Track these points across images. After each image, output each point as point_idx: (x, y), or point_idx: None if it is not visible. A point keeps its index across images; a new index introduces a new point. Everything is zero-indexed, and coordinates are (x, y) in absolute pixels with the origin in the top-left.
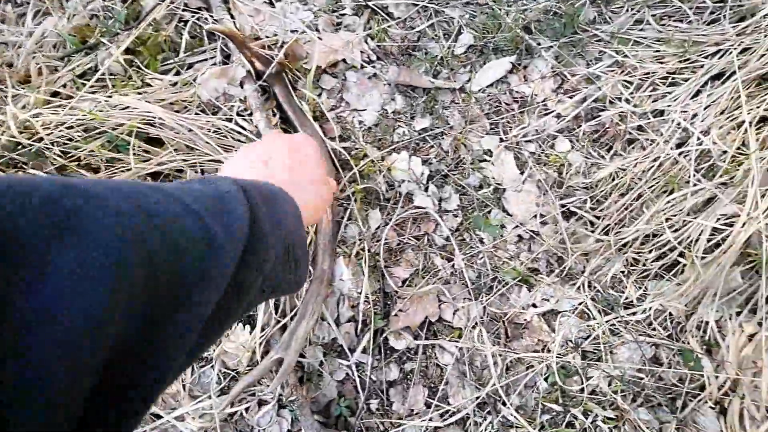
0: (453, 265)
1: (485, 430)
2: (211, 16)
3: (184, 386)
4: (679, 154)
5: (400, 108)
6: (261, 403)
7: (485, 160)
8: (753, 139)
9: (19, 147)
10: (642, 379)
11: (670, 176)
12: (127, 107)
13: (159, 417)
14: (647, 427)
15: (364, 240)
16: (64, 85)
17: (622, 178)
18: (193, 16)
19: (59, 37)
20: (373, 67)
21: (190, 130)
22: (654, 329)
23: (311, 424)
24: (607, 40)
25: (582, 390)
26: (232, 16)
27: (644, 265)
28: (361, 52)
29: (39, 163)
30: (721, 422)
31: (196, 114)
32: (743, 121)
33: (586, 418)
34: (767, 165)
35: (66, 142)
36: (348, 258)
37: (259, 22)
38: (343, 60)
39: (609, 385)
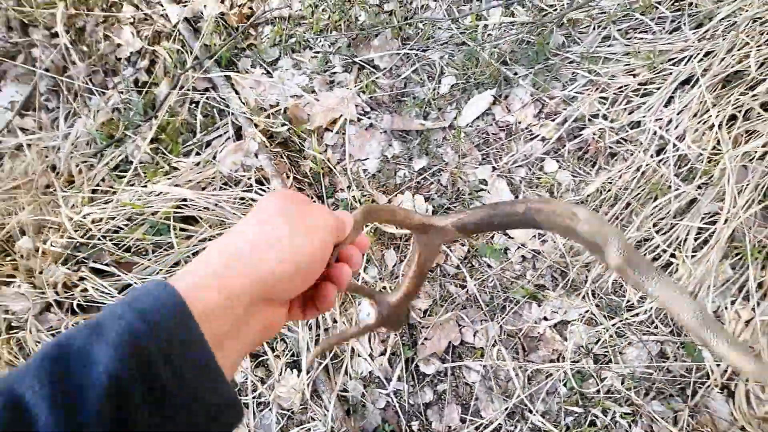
0: (467, 291)
1: None
2: (218, 95)
3: (249, 430)
4: (659, 161)
5: (398, 152)
6: None
7: (482, 189)
8: (725, 139)
9: (77, 244)
10: (652, 374)
11: (653, 184)
12: (161, 193)
13: None
14: (662, 418)
15: (384, 279)
16: (103, 180)
17: (609, 191)
18: (202, 96)
19: (89, 135)
20: (369, 118)
21: (217, 205)
22: (657, 327)
23: None
24: (578, 61)
25: (598, 391)
26: (236, 92)
27: None
28: (356, 105)
29: (98, 257)
30: (730, 405)
31: (221, 188)
32: (715, 120)
33: (606, 416)
34: (742, 162)
35: (114, 233)
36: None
37: (261, 92)
38: (341, 116)
39: (622, 383)
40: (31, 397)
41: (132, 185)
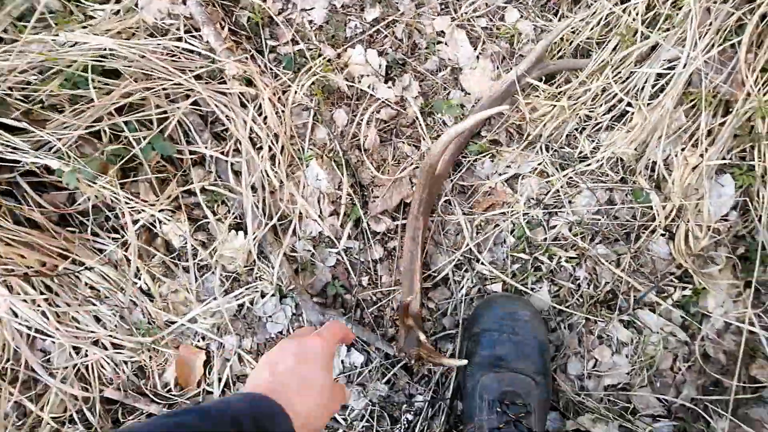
0: (420, 150)
1: (465, 283)
2: None
3: (190, 292)
4: (623, 10)
5: (347, 1)
6: (263, 295)
7: (440, 42)
8: None
9: None
10: (599, 220)
11: (620, 32)
12: (76, 43)
13: (173, 322)
14: (606, 260)
15: (335, 140)
16: (5, 30)
17: (570, 40)
18: None
19: None
20: None
21: (143, 56)
22: (607, 176)
23: (311, 306)
24: None
25: (545, 239)
26: None
27: (596, 120)
28: None
29: (3, 111)
30: (670, 246)
31: (145, 39)
32: None
33: (551, 261)
34: (706, 4)
35: (24, 86)
36: (320, 159)
37: None
38: None
39: (570, 230)
40: None
41: (39, 34)
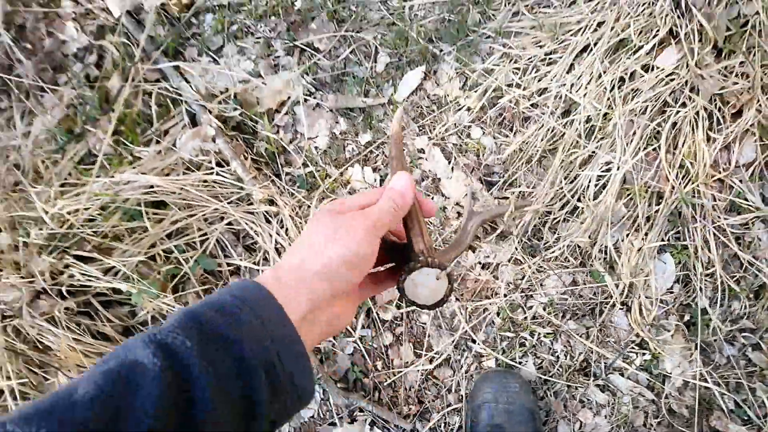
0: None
1: (464, 363)
2: (170, 85)
3: None
4: (564, 124)
5: (345, 129)
6: None
7: (421, 157)
8: (615, 98)
9: (58, 236)
10: (567, 299)
11: (558, 142)
12: (129, 182)
13: None
14: (577, 334)
15: None
16: (70, 174)
17: (524, 150)
18: (154, 87)
19: (49, 132)
20: (315, 98)
21: (183, 188)
22: (569, 261)
23: (336, 391)
24: (493, 36)
25: (525, 318)
26: (186, 81)
27: (554, 214)
28: (301, 87)
29: (80, 245)
30: (628, 318)
31: (184, 173)
32: (608, 84)
33: (533, 337)
34: (629, 117)
35: (90, 221)
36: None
37: (210, 79)
38: (289, 97)
39: (544, 309)
40: (184, 351)
41: (99, 177)
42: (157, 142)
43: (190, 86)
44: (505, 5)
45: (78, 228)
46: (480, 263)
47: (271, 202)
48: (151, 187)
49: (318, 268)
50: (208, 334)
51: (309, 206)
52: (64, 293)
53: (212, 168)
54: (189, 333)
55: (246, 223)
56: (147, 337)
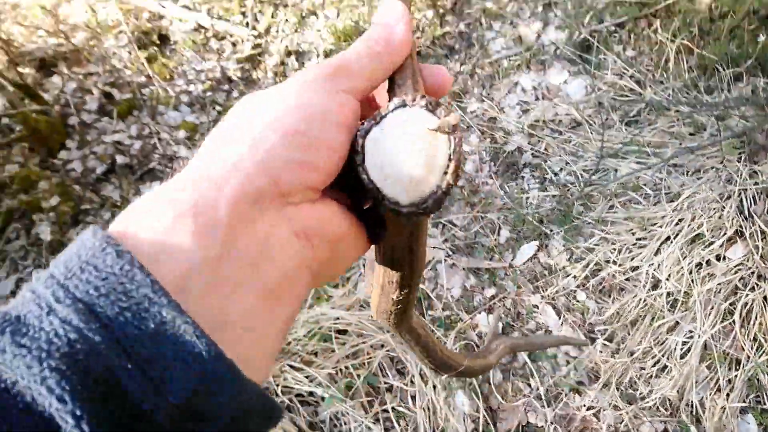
0: (529, 385)
1: None
2: None
3: None
4: (654, 297)
5: (474, 283)
6: None
7: (535, 312)
8: (695, 280)
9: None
10: None
11: (648, 310)
12: (324, 314)
13: None
14: None
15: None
16: None
17: (621, 314)
18: None
19: None
20: (452, 259)
21: (359, 321)
22: (660, 411)
23: None
24: (593, 223)
25: None
26: None
27: (646, 370)
28: (442, 250)
29: (292, 358)
30: None
31: (360, 310)
32: (687, 268)
33: None
34: (707, 296)
35: (298, 341)
36: (464, 389)
37: None
38: (433, 257)
39: None
40: None
41: (303, 311)
42: (343, 285)
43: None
44: (603, 200)
45: (290, 345)
46: (585, 406)
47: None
48: (338, 318)
49: (235, 157)
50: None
51: (444, 343)
52: (279, 393)
53: None
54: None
55: (400, 352)
56: None
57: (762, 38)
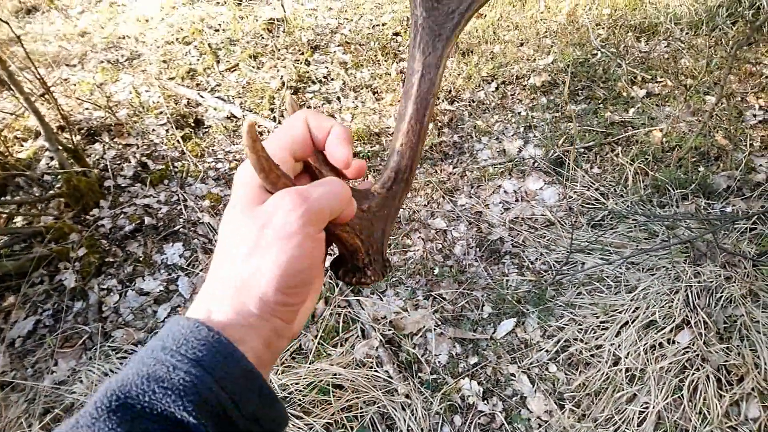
0: None
1: None
2: (352, 310)
3: None
4: (615, 372)
5: (459, 351)
6: None
7: (512, 380)
8: (650, 359)
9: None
10: None
11: (610, 382)
12: (323, 369)
13: None
14: None
15: None
16: (285, 360)
17: (587, 386)
18: (342, 310)
19: None
20: (440, 329)
21: (355, 380)
22: None
23: None
24: (563, 306)
25: None
26: (362, 308)
27: None
28: (432, 320)
29: (291, 407)
30: None
31: (356, 368)
32: (643, 349)
33: None
34: (660, 373)
35: (299, 392)
36: None
37: (376, 309)
38: (423, 326)
39: None
40: None
41: (305, 365)
42: (342, 345)
43: (364, 312)
44: (572, 287)
45: (292, 394)
46: None
47: (407, 396)
48: (336, 374)
49: (252, 307)
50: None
51: (431, 403)
52: None
53: (373, 367)
54: None
55: (390, 409)
56: None
57: (701, 169)
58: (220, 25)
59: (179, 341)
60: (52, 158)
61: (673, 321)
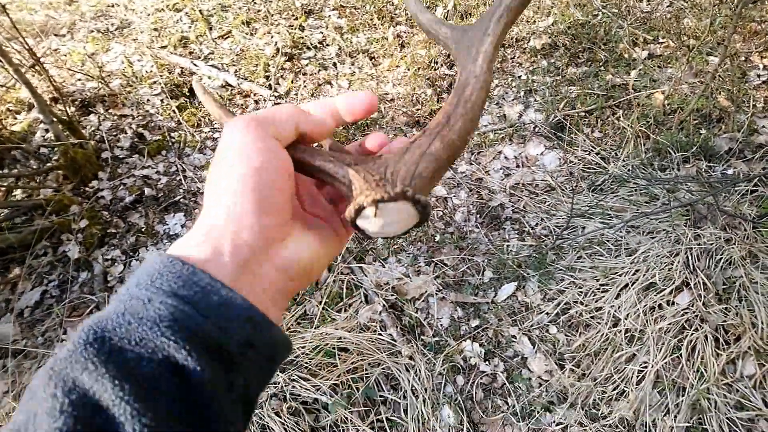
0: (507, 402)
1: None
2: (355, 277)
3: None
4: (615, 333)
5: (461, 315)
6: None
7: (513, 341)
8: (649, 320)
9: (290, 363)
10: None
11: (610, 342)
12: (328, 334)
13: None
14: None
15: (457, 394)
16: (289, 327)
17: (586, 346)
18: (346, 277)
19: None
20: (442, 293)
21: (360, 343)
22: (618, 429)
23: None
24: (563, 270)
25: None
26: (365, 275)
27: (607, 393)
28: (434, 285)
29: (300, 369)
30: None
31: (360, 332)
32: (642, 310)
33: None
34: (658, 333)
35: (306, 355)
36: (449, 405)
37: (379, 276)
38: (426, 291)
39: None
40: (107, 397)
41: (311, 329)
42: (345, 310)
43: (367, 278)
44: (572, 251)
45: (298, 357)
46: (554, 422)
47: (410, 358)
48: (340, 338)
49: (220, 209)
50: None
51: (434, 364)
52: (287, 398)
53: (377, 331)
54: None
55: (394, 370)
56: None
57: (703, 131)
58: None
59: (153, 276)
60: (47, 130)
61: (673, 283)
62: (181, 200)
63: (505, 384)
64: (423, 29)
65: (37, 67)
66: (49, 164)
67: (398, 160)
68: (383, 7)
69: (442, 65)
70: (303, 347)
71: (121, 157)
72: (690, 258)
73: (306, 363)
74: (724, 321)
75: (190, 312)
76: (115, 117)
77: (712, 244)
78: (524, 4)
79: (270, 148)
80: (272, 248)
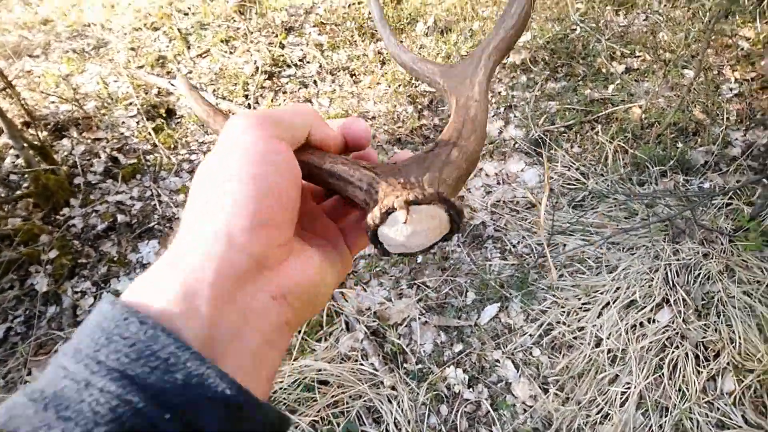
0: (491, 431)
1: None
2: (336, 303)
3: None
4: (597, 353)
5: (444, 340)
6: None
7: (497, 365)
8: (631, 339)
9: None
10: None
11: (593, 363)
12: (307, 366)
13: None
14: None
15: (441, 425)
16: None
17: (571, 368)
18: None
19: None
20: (425, 317)
21: (340, 375)
22: None
23: None
24: (546, 289)
25: None
26: (345, 300)
27: (592, 417)
28: (417, 309)
29: (278, 406)
30: None
31: (341, 363)
32: (624, 329)
33: None
34: (641, 353)
35: (284, 390)
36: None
37: (360, 300)
38: (408, 316)
39: None
40: None
41: (289, 362)
42: (326, 339)
43: (348, 304)
44: (555, 269)
45: (276, 393)
46: None
47: (393, 388)
48: (320, 370)
49: (206, 234)
50: None
51: (417, 394)
52: None
53: (358, 360)
54: None
55: (376, 401)
56: None
57: (680, 145)
58: (189, 8)
59: (99, 341)
60: (17, 156)
61: (653, 300)
62: (156, 226)
63: (489, 412)
64: (406, 68)
65: (8, 90)
66: (18, 192)
67: (418, 167)
68: (363, 23)
69: (422, 82)
70: (281, 382)
71: (94, 182)
72: (669, 274)
73: (284, 399)
74: (704, 337)
75: (142, 405)
76: (89, 140)
77: (690, 259)
78: (510, 47)
79: (276, 151)
80: (268, 270)
